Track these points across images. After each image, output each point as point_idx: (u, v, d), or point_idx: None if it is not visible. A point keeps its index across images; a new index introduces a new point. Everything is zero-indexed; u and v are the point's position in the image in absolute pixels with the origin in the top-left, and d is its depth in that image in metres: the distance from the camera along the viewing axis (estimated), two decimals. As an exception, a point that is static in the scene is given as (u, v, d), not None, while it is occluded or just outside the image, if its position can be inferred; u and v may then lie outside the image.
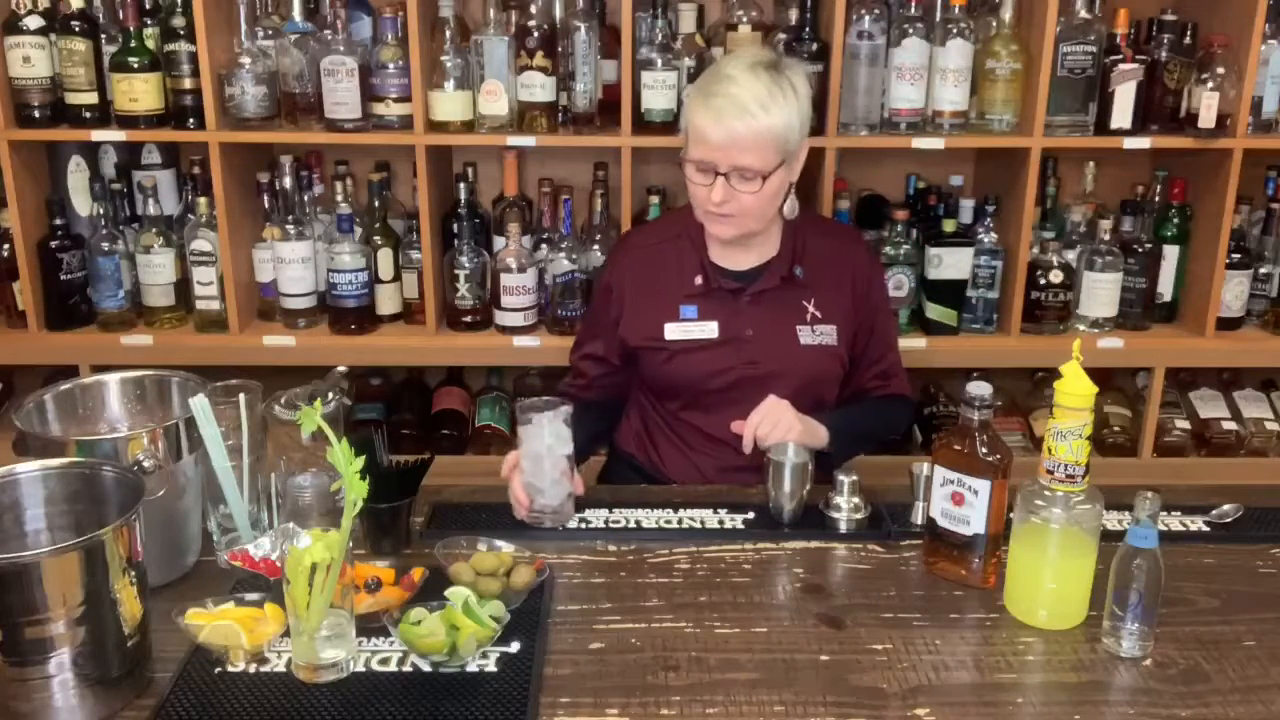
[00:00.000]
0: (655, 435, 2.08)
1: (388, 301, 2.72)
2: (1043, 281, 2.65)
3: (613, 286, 2.06)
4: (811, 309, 1.99)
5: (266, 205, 2.68)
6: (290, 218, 2.62)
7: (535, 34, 2.49)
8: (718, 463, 2.00)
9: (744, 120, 1.78)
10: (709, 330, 1.97)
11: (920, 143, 2.56)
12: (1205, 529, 1.76)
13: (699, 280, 1.98)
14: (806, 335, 1.98)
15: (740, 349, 1.96)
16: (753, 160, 1.81)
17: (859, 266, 2.04)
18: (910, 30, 2.51)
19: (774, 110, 1.79)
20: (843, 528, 1.74)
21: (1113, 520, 1.63)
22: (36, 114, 2.55)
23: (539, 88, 2.52)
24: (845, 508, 1.75)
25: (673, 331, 1.98)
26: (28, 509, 1.39)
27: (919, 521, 1.72)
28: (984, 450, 1.53)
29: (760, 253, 1.99)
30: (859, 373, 2.05)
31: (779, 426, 1.82)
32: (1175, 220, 2.72)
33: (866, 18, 2.49)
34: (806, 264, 1.99)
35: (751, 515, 1.77)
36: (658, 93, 2.51)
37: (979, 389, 1.54)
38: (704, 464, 2.02)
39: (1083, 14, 2.51)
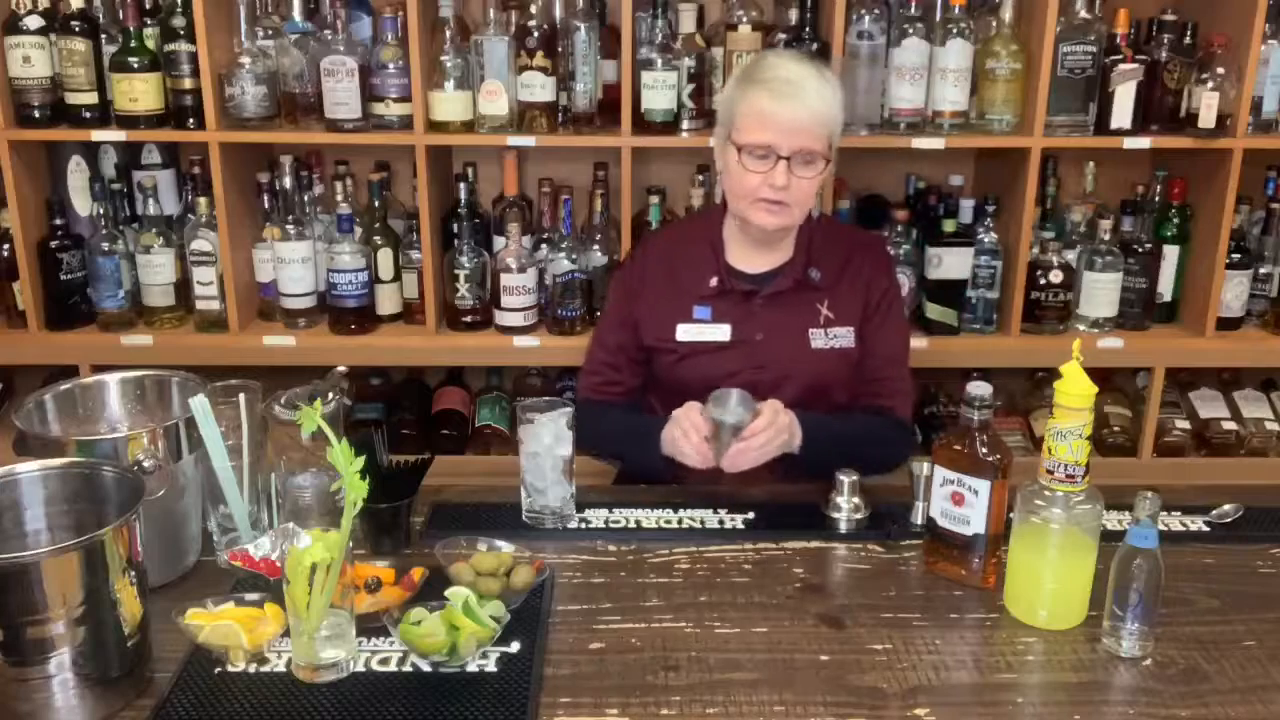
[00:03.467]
0: None
1: (388, 301, 2.72)
2: (1043, 281, 2.65)
3: (631, 283, 2.05)
4: (825, 311, 1.97)
5: (266, 205, 2.68)
6: (290, 218, 2.62)
7: (535, 34, 2.49)
8: (770, 474, 1.93)
9: (808, 102, 1.81)
10: (721, 333, 1.96)
11: (920, 143, 2.56)
12: (1205, 529, 1.75)
13: (714, 282, 1.98)
14: (819, 338, 1.97)
15: (750, 352, 1.96)
16: (814, 143, 1.82)
17: (875, 270, 2.02)
18: (910, 30, 2.51)
19: (827, 96, 1.83)
20: (843, 528, 1.74)
21: (1113, 520, 1.63)
22: (36, 114, 2.55)
23: (539, 88, 2.52)
24: (845, 508, 1.75)
25: (684, 333, 1.97)
26: (28, 509, 1.39)
27: (919, 521, 1.73)
28: (984, 450, 1.53)
29: (777, 255, 1.99)
30: (859, 379, 2.01)
31: (765, 449, 1.77)
32: (1175, 220, 2.72)
33: (866, 18, 2.49)
34: (823, 266, 1.98)
35: (751, 515, 1.77)
36: (658, 93, 2.51)
37: (979, 389, 1.54)
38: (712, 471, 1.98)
39: (1083, 14, 2.51)
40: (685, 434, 1.78)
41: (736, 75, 1.94)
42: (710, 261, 2.00)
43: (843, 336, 1.98)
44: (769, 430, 1.75)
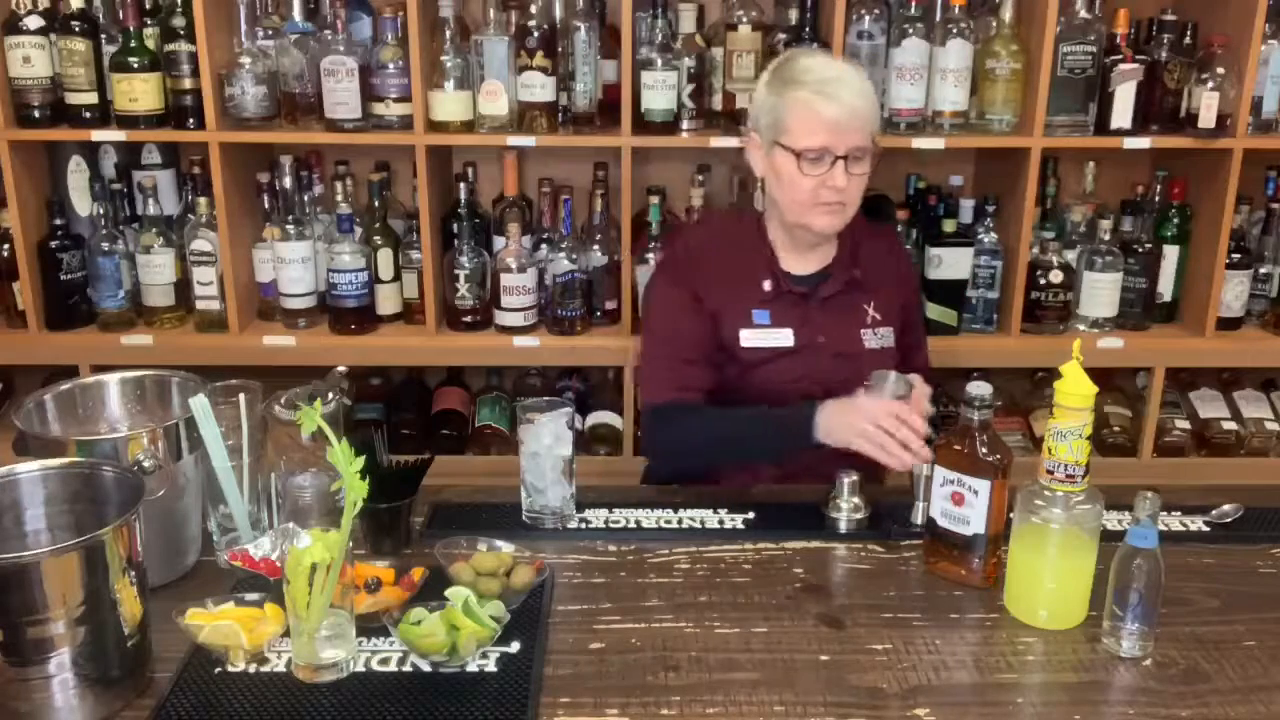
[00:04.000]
0: None
1: (388, 301, 2.72)
2: (1043, 281, 2.65)
3: (682, 272, 1.94)
4: (872, 311, 1.95)
5: (266, 205, 2.68)
6: (290, 218, 2.62)
7: (535, 34, 2.49)
8: (775, 470, 1.94)
9: (856, 98, 1.80)
10: (784, 338, 1.91)
11: (920, 143, 2.55)
12: (1205, 529, 1.76)
13: (768, 285, 1.92)
14: (870, 339, 1.94)
15: (814, 356, 1.91)
16: (864, 139, 1.82)
17: (901, 264, 2.04)
18: (910, 30, 2.51)
19: (867, 90, 1.83)
20: (843, 528, 1.74)
21: (1113, 520, 1.63)
22: (36, 114, 2.55)
23: (539, 88, 2.52)
24: (845, 508, 1.75)
25: (748, 339, 1.90)
26: (28, 509, 1.39)
27: (919, 521, 1.73)
28: (984, 450, 1.53)
29: (821, 256, 1.96)
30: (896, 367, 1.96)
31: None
32: (1175, 220, 2.72)
33: (866, 18, 2.49)
34: (863, 264, 1.97)
35: (751, 515, 1.77)
36: (658, 93, 2.51)
37: (979, 389, 1.54)
38: (761, 471, 1.95)
39: (1083, 14, 2.51)
40: (898, 430, 1.65)
41: (769, 80, 1.88)
42: (760, 263, 1.93)
43: (886, 336, 1.96)
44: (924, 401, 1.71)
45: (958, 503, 1.55)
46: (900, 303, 2.01)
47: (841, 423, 1.73)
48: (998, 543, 1.56)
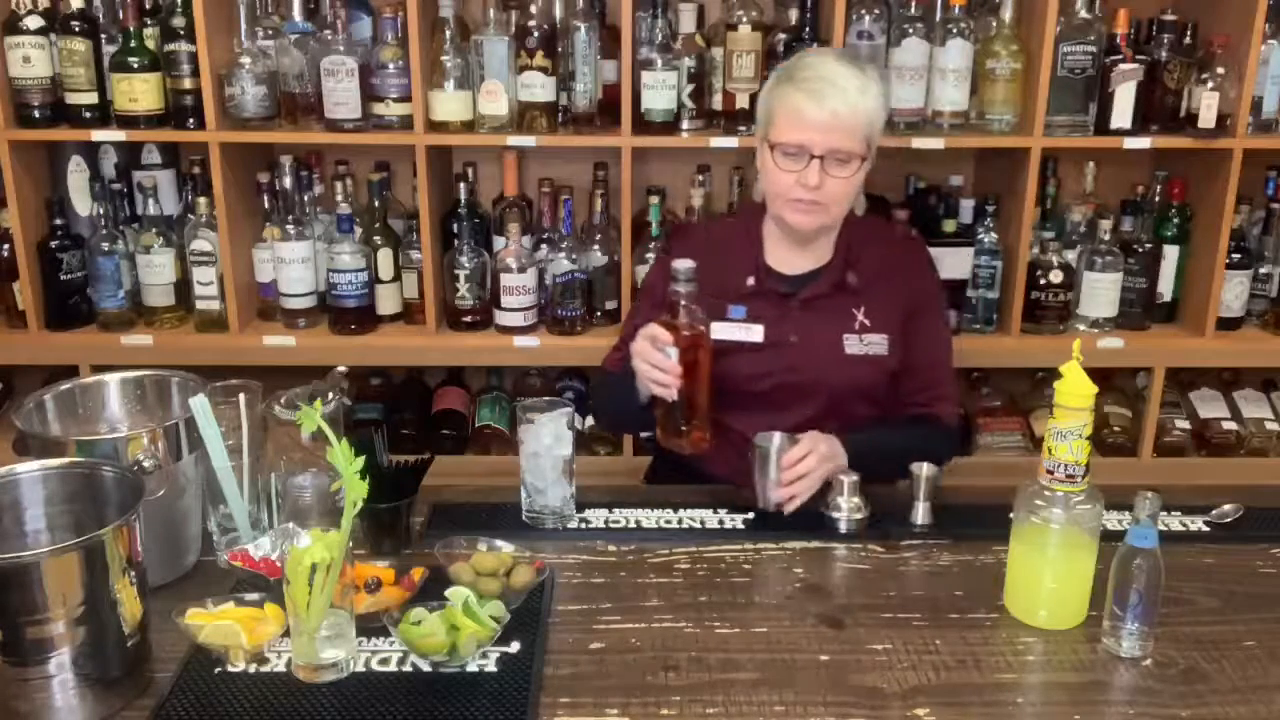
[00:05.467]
0: None
1: (388, 301, 2.72)
2: (1043, 281, 2.65)
3: (668, 271, 1.92)
4: (861, 317, 1.94)
5: (266, 205, 2.68)
6: (290, 218, 2.62)
7: (535, 34, 2.49)
8: (746, 464, 1.93)
9: (844, 101, 1.79)
10: (754, 333, 1.93)
11: (920, 143, 2.55)
12: (1205, 529, 1.76)
13: (751, 281, 1.95)
14: (853, 345, 1.93)
15: (782, 355, 1.92)
16: (849, 143, 1.81)
17: (917, 279, 1.99)
18: (910, 30, 2.51)
19: (867, 95, 1.81)
20: (843, 528, 1.74)
21: (1113, 520, 1.63)
22: (36, 114, 2.55)
23: (539, 88, 2.52)
24: (845, 508, 1.75)
25: (719, 330, 1.91)
26: (28, 509, 1.39)
27: (919, 521, 1.73)
28: (682, 319, 1.69)
29: (816, 256, 1.97)
30: (902, 384, 1.98)
31: (807, 481, 1.74)
32: (1175, 220, 2.72)
33: (866, 18, 2.49)
34: (861, 271, 1.95)
35: (751, 515, 1.77)
36: (658, 93, 2.51)
37: (683, 263, 1.68)
38: (736, 462, 1.93)
39: (1083, 14, 2.51)
40: (645, 349, 1.72)
41: (776, 74, 1.91)
42: (748, 260, 1.97)
43: (877, 344, 1.94)
44: (811, 458, 1.73)
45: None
46: (903, 316, 1.95)
47: (637, 368, 1.78)
48: (698, 409, 1.73)
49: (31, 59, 2.52)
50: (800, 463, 1.73)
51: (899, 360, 1.95)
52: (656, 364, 1.71)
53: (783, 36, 2.55)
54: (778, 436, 1.75)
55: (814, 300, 1.94)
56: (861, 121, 1.81)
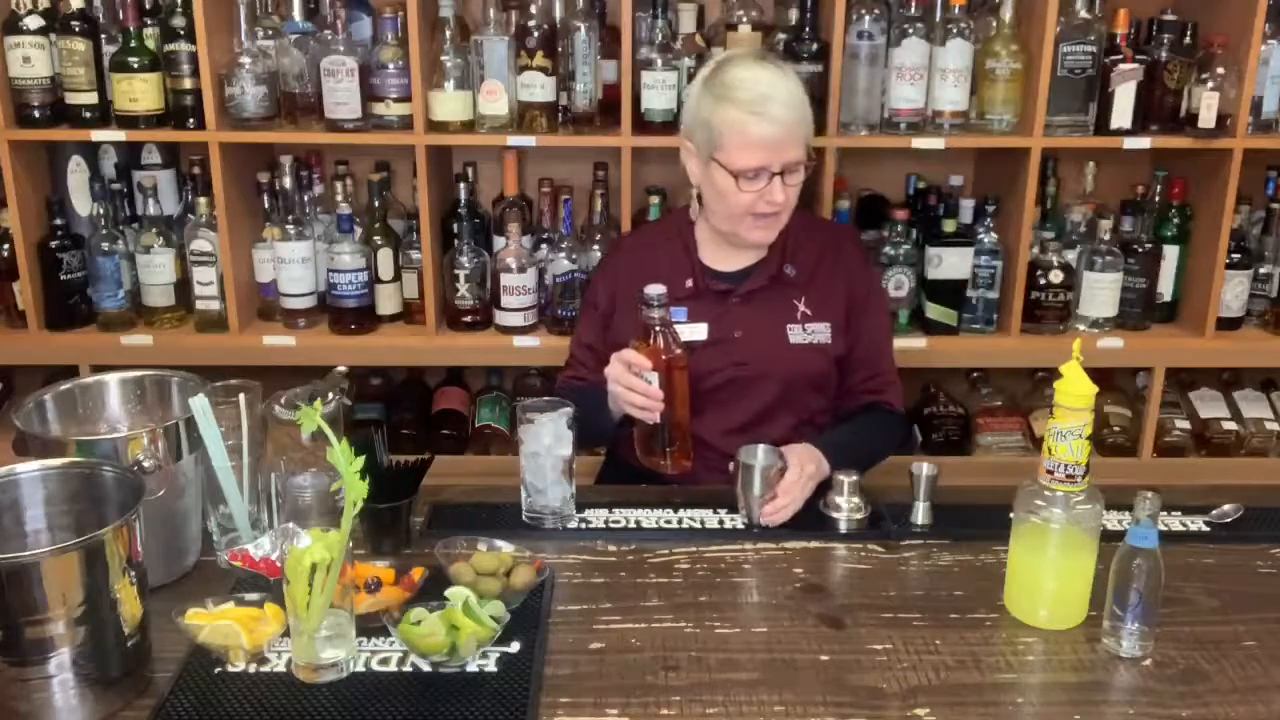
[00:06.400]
0: None
1: (388, 301, 2.72)
2: (1043, 281, 2.65)
3: (605, 288, 2.06)
4: (803, 307, 1.98)
5: (266, 205, 2.68)
6: (290, 218, 2.62)
7: (535, 34, 2.49)
8: (704, 463, 1.95)
9: (787, 111, 1.81)
10: (698, 332, 1.96)
11: (920, 143, 2.56)
12: (1205, 529, 1.76)
13: (689, 283, 1.99)
14: (797, 334, 1.98)
15: (729, 349, 1.96)
16: (798, 152, 1.84)
17: (852, 264, 2.04)
18: (910, 30, 2.51)
19: (798, 98, 1.84)
20: (843, 528, 1.74)
21: (1113, 520, 1.63)
22: (36, 114, 2.55)
23: (539, 88, 2.52)
24: (845, 508, 1.75)
25: None
26: (28, 509, 1.39)
27: (919, 521, 1.73)
28: (661, 344, 1.72)
29: (752, 253, 2.00)
30: (850, 375, 2.03)
31: (791, 506, 1.75)
32: (1175, 220, 2.72)
33: (866, 18, 2.49)
34: (798, 262, 2.00)
35: (751, 515, 1.77)
36: (658, 93, 2.51)
37: (654, 289, 1.72)
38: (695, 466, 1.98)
39: (1083, 14, 2.51)
40: (621, 374, 1.75)
41: (701, 91, 1.89)
42: (683, 263, 2.00)
43: (820, 332, 1.98)
44: (800, 481, 1.74)
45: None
46: (846, 303, 2.00)
47: (611, 390, 1.81)
48: (681, 431, 1.76)
49: (31, 59, 2.52)
50: (792, 485, 1.74)
51: (844, 348, 1.99)
52: (638, 389, 1.74)
53: (783, 36, 2.55)
54: (761, 451, 1.75)
55: (754, 294, 1.98)
56: (803, 127, 1.85)
